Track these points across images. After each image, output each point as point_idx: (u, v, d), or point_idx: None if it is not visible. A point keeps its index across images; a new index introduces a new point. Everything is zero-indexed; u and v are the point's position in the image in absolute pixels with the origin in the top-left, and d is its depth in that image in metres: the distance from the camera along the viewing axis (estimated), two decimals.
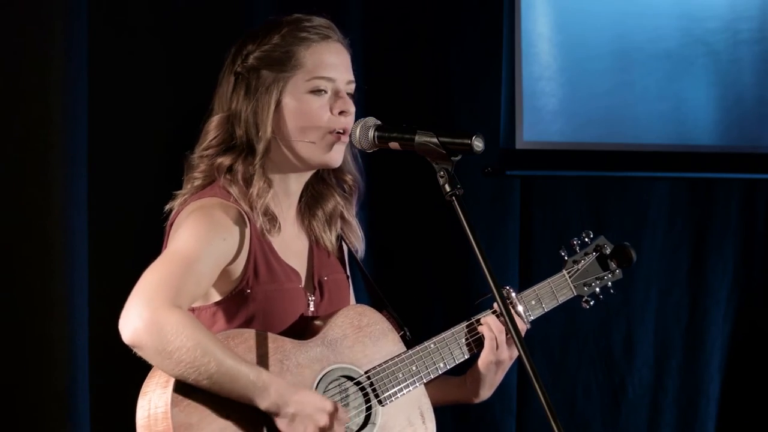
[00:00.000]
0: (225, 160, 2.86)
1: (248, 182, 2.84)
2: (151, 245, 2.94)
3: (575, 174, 4.98)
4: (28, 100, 3.65)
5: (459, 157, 2.66)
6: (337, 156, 2.88)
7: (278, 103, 2.85)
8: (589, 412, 5.06)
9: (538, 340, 4.85)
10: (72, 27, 3.69)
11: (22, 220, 3.66)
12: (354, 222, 3.03)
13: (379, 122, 2.82)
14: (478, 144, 2.65)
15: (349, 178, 2.99)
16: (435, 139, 2.67)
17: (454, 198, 2.61)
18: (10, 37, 3.65)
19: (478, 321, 2.99)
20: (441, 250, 4.64)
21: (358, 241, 3.04)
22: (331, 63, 2.87)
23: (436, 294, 4.66)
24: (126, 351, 2.68)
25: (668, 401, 5.16)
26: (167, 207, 2.89)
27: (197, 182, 2.88)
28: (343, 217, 3.00)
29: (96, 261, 3.80)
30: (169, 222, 2.86)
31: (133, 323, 2.61)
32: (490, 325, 2.98)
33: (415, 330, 2.98)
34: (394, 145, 2.77)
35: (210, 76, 2.97)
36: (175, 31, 4.04)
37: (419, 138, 2.69)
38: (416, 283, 4.61)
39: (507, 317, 2.59)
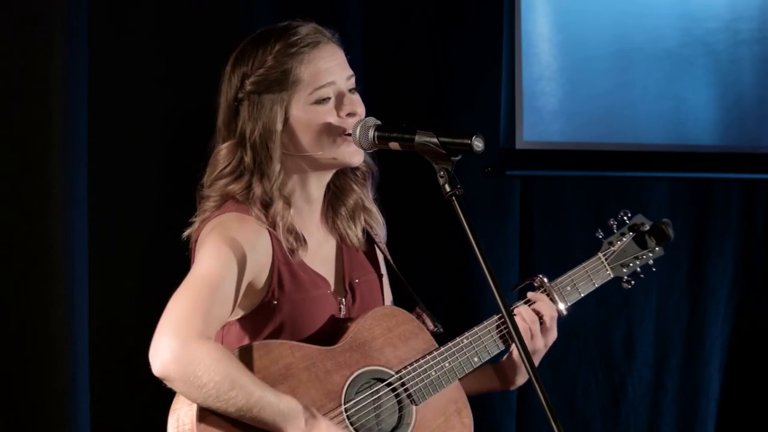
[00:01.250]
0: (237, 187, 2.85)
1: (267, 205, 2.83)
2: (151, 245, 2.95)
3: (575, 174, 4.98)
4: (28, 100, 3.65)
5: (459, 157, 2.65)
6: (357, 157, 2.88)
7: (285, 122, 2.83)
8: (588, 412, 5.05)
9: None
10: (72, 27, 3.69)
11: (22, 220, 3.65)
12: (374, 209, 3.03)
13: (379, 122, 2.81)
14: (478, 144, 2.64)
15: (362, 165, 2.97)
16: (435, 139, 2.67)
17: (454, 198, 2.61)
18: (10, 37, 3.65)
19: None
20: (441, 251, 4.64)
21: (379, 227, 3.05)
22: (327, 68, 2.86)
23: (436, 294, 4.65)
24: (126, 351, 2.68)
25: (668, 401, 5.16)
26: (185, 234, 2.88)
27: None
28: (364, 207, 3.00)
29: (96, 261, 3.80)
30: (193, 239, 2.84)
31: (163, 356, 2.59)
32: (522, 315, 2.99)
33: None
34: (394, 145, 2.77)
35: (210, 76, 2.96)
36: (175, 32, 4.04)
37: (419, 138, 2.69)
38: (416, 282, 4.59)
39: (508, 318, 2.59)
